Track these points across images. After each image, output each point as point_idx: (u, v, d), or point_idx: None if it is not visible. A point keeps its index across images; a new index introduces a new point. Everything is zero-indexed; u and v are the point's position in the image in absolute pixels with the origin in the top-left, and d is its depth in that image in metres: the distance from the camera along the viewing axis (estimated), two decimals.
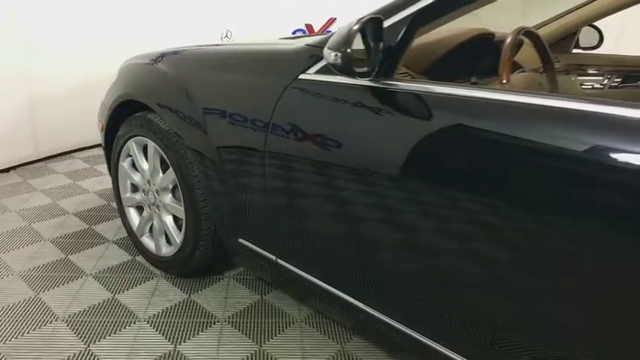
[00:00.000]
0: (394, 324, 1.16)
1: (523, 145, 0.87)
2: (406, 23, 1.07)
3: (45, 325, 1.57)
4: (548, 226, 0.86)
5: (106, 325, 1.58)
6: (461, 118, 0.97)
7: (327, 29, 4.11)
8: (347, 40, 0.99)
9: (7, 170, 2.81)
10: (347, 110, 1.16)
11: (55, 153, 3.05)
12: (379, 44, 1.06)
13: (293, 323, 1.62)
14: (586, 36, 2.31)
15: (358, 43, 1.03)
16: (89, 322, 1.60)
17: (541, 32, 2.22)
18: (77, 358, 1.44)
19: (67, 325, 1.58)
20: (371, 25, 1.05)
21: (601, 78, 2.09)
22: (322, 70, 1.20)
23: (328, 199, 1.21)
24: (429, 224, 1.00)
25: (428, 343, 1.09)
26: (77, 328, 1.56)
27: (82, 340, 1.51)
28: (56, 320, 1.60)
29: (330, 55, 1.04)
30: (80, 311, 1.65)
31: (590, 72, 2.13)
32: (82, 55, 2.91)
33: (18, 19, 2.64)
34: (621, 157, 0.78)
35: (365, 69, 1.05)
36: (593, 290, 0.83)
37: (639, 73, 2.04)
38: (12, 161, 2.83)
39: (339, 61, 1.02)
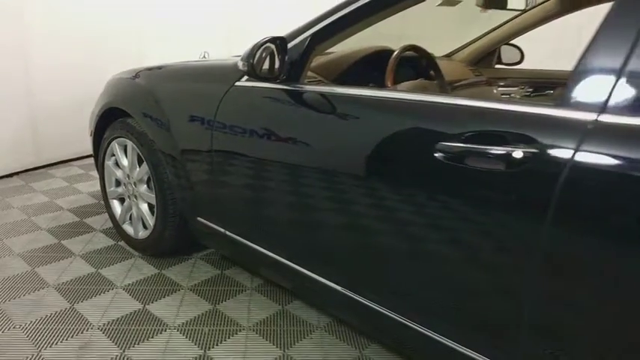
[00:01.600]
0: (329, 284, 1.45)
1: (393, 129, 1.23)
2: (305, 43, 1.45)
3: (38, 290, 1.92)
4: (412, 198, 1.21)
5: (90, 291, 1.93)
6: (350, 110, 1.34)
7: None
8: (251, 54, 1.37)
9: (11, 175, 3.18)
10: (266, 107, 1.53)
11: (54, 161, 3.42)
12: (285, 57, 1.44)
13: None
14: (509, 53, 2.69)
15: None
16: (77, 289, 1.94)
17: (465, 52, 2.62)
18: (61, 314, 1.79)
19: (57, 291, 1.92)
20: (279, 44, 1.43)
21: (515, 88, 2.45)
22: (250, 78, 1.58)
23: (258, 179, 1.57)
24: (340, 189, 1.34)
25: (356, 298, 1.38)
26: (66, 293, 1.91)
27: (68, 301, 1.86)
28: (48, 287, 1.94)
29: (241, 65, 1.41)
30: (69, 280, 2.00)
31: (506, 83, 2.50)
32: (81, 71, 3.28)
33: (23, 37, 3.04)
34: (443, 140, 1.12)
35: (274, 75, 1.42)
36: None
37: (550, 84, 2.41)
38: (16, 167, 3.21)
39: (246, 69, 1.40)
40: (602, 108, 0.94)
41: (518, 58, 2.69)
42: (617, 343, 0.95)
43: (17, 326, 1.70)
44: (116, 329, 1.71)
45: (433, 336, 1.22)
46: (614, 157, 0.90)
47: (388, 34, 2.04)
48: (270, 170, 1.54)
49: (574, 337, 1.01)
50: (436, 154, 1.12)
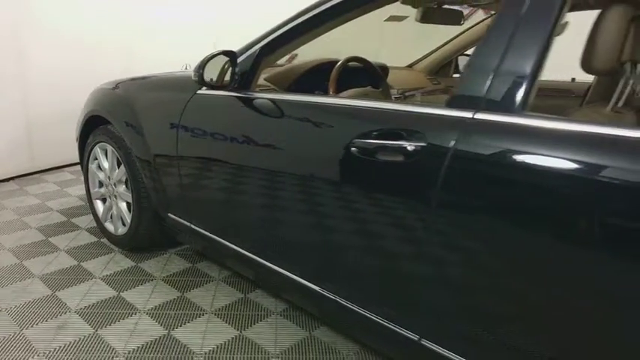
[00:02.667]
0: (284, 272, 1.63)
1: (323, 129, 1.42)
2: (254, 56, 1.65)
3: (24, 280, 2.11)
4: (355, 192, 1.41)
5: (71, 280, 2.12)
6: (292, 114, 1.53)
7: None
8: (201, 65, 1.57)
9: (7, 180, 3.39)
10: (221, 112, 1.74)
11: (48, 167, 3.63)
12: (236, 68, 1.64)
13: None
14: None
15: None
16: (59, 279, 2.13)
17: (425, 63, 2.82)
18: (43, 299, 1.98)
19: (41, 280, 2.11)
20: (230, 56, 1.63)
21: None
22: (209, 87, 1.78)
23: (216, 178, 1.76)
24: (285, 185, 1.52)
25: (304, 282, 1.56)
26: (48, 283, 2.10)
27: (50, 289, 2.05)
28: (33, 277, 2.14)
29: (193, 75, 1.62)
30: (53, 271, 2.19)
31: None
32: (73, 83, 3.48)
33: (19, 51, 3.26)
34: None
35: (225, 84, 1.63)
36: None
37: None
38: (11, 172, 3.42)
39: (196, 78, 1.60)
40: (478, 107, 1.13)
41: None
42: (494, 310, 1.13)
43: (3, 310, 1.89)
44: (91, 312, 1.90)
45: (362, 312, 1.41)
46: (486, 146, 1.10)
47: (364, 49, 2.25)
48: (227, 170, 1.74)
49: (455, 307, 1.19)
50: (352, 149, 1.31)
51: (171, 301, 2.01)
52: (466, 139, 1.12)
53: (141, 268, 2.27)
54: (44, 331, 1.78)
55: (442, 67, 2.82)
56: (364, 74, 2.18)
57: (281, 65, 2.06)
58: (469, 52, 2.79)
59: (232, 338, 1.78)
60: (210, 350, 1.72)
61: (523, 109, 1.09)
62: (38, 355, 1.65)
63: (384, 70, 2.39)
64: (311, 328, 1.86)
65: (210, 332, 1.82)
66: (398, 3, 2.02)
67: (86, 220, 2.77)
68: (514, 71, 1.11)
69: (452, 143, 1.13)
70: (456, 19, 2.15)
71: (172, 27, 4.08)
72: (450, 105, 1.19)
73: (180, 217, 2.04)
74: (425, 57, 2.82)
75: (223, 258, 2.05)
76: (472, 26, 2.60)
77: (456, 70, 2.85)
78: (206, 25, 4.27)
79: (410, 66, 2.89)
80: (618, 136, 0.97)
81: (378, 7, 1.55)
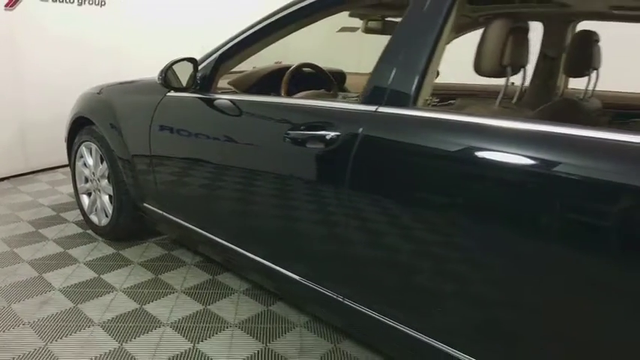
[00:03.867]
0: (247, 254, 1.84)
1: (269, 124, 1.67)
2: (213, 62, 1.90)
3: (14, 264, 2.35)
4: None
5: (57, 265, 2.36)
6: (246, 111, 1.77)
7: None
8: (164, 70, 1.82)
9: (2, 179, 3.64)
10: (185, 111, 1.99)
11: (41, 167, 3.88)
12: (197, 73, 1.89)
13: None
14: None
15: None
16: (46, 264, 2.37)
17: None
18: (30, 280, 2.22)
19: (29, 265, 2.35)
20: (193, 62, 1.88)
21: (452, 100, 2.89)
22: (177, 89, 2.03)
23: (184, 169, 2.01)
24: (243, 174, 1.77)
25: (268, 264, 1.77)
26: (36, 267, 2.34)
27: (37, 272, 2.29)
28: (23, 262, 2.38)
29: (157, 79, 1.87)
30: (41, 257, 2.43)
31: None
32: (66, 87, 3.69)
33: (13, 59, 3.52)
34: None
35: (186, 87, 1.88)
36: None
37: (454, 94, 2.84)
38: (6, 173, 3.66)
39: (160, 82, 1.85)
40: (381, 103, 1.38)
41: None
42: (393, 271, 1.37)
43: None
44: (73, 290, 2.13)
45: (304, 281, 1.65)
46: (385, 134, 1.34)
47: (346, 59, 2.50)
48: (191, 163, 1.99)
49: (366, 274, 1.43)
50: (287, 139, 1.55)
51: (145, 281, 2.25)
52: (370, 128, 1.37)
53: (121, 254, 2.51)
54: (30, 305, 2.01)
55: None
56: (321, 79, 2.44)
57: (241, 71, 2.32)
58: None
59: (197, 311, 2.02)
60: (175, 320, 1.95)
61: (414, 103, 1.34)
62: (23, 325, 1.88)
63: (342, 75, 2.65)
64: (268, 303, 2.10)
65: (178, 306, 2.05)
66: (347, 16, 2.28)
67: (74, 215, 3.01)
68: (406, 74, 1.36)
69: (360, 131, 1.38)
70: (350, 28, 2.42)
71: (161, 31, 4.32)
72: (361, 101, 1.44)
73: (154, 207, 2.28)
74: None
75: (191, 241, 2.28)
76: None
77: None
78: (194, 29, 4.51)
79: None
80: (489, 125, 1.21)
81: (323, 18, 1.79)
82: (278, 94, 2.17)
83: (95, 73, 3.59)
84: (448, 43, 1.43)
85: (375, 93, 1.41)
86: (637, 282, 0.97)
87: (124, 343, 1.79)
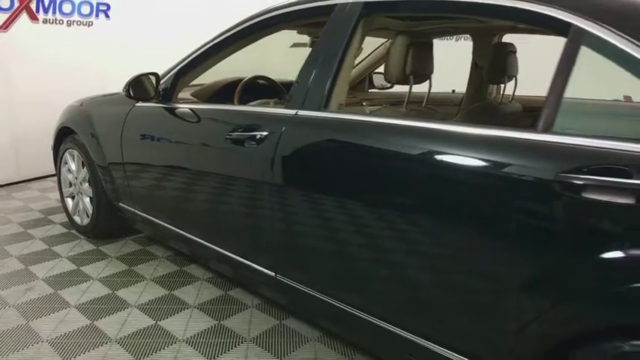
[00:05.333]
0: (205, 243, 2.11)
1: (219, 127, 1.95)
2: (173, 76, 2.19)
3: (3, 259, 2.62)
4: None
5: (41, 259, 2.63)
6: (203, 117, 2.04)
7: None
8: (129, 82, 2.11)
9: None
10: (150, 119, 2.27)
11: (33, 177, 4.16)
12: (159, 86, 2.18)
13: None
14: (381, 80, 3.41)
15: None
16: (32, 258, 2.64)
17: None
18: (16, 272, 2.49)
19: (17, 259, 2.62)
20: (155, 76, 2.17)
21: (379, 106, 3.18)
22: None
23: (150, 170, 2.29)
24: (201, 173, 2.05)
25: (228, 254, 2.02)
26: (23, 261, 2.61)
27: (24, 264, 2.56)
28: (11, 257, 2.65)
29: (122, 91, 2.16)
30: (28, 253, 2.70)
31: (371, 102, 3.22)
32: (56, 103, 3.98)
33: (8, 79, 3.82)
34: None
35: (148, 97, 2.17)
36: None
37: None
38: (0, 181, 3.95)
39: (124, 93, 2.14)
40: (300, 107, 1.66)
41: (389, 84, 3.42)
42: (315, 250, 1.64)
43: None
44: (54, 280, 2.40)
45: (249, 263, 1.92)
46: (301, 133, 1.63)
47: None
48: (156, 165, 2.27)
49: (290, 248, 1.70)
50: (227, 139, 1.83)
51: (119, 272, 2.51)
52: (290, 128, 1.65)
53: (100, 250, 2.78)
54: (15, 292, 2.28)
55: (358, 83, 3.35)
56: (274, 89, 2.72)
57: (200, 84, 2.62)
58: (380, 69, 3.32)
59: (163, 295, 2.28)
60: (143, 303, 2.21)
61: (326, 107, 1.62)
62: (10, 307, 2.15)
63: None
64: (227, 288, 2.36)
65: (147, 292, 2.32)
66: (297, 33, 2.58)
67: (61, 217, 3.28)
68: (320, 83, 1.64)
69: (283, 130, 1.66)
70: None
71: (146, 50, 4.62)
72: (286, 106, 1.73)
73: (127, 205, 2.56)
74: None
75: (161, 235, 2.55)
76: (376, 48, 3.14)
77: (371, 85, 3.38)
78: (176, 49, 4.81)
79: None
80: (380, 122, 1.50)
81: (263, 36, 2.08)
82: (231, 103, 2.47)
83: (83, 91, 3.86)
84: (356, 56, 1.72)
85: (296, 99, 1.70)
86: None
87: (95, 321, 2.06)
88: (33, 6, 3.93)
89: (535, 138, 1.16)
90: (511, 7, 1.28)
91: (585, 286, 1.07)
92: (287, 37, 2.62)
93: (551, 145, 1.13)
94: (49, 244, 2.85)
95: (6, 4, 3.77)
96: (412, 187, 1.36)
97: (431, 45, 1.82)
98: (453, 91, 2.95)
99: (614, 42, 1.10)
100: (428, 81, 1.94)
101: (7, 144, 3.95)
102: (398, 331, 1.42)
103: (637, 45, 1.06)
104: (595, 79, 1.21)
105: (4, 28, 3.77)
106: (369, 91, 3.41)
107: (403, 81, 1.76)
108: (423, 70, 1.79)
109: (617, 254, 1.01)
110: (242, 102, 2.40)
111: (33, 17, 3.94)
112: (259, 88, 2.66)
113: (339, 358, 1.87)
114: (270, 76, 2.67)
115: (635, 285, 1.00)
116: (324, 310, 1.65)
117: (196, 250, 2.28)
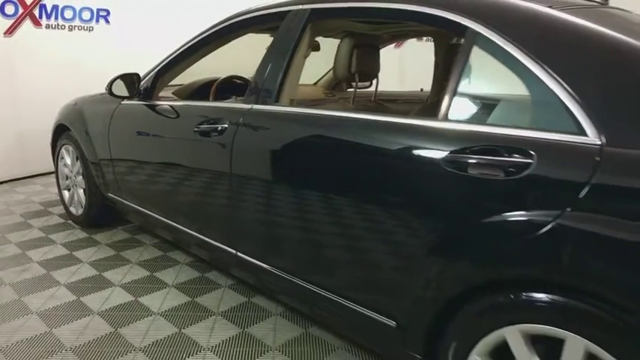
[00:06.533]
0: (186, 229, 2.32)
1: (193, 120, 2.16)
2: (153, 75, 2.42)
3: (3, 245, 2.86)
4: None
5: (38, 245, 2.86)
6: (179, 112, 2.26)
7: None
8: (111, 81, 2.34)
9: (2, 183, 4.19)
10: (134, 115, 2.50)
11: (37, 172, 4.42)
12: (140, 84, 2.41)
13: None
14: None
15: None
16: (30, 244, 2.88)
17: (324, 80, 3.55)
18: (15, 256, 2.72)
19: (16, 245, 2.86)
20: (136, 76, 2.40)
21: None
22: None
23: (135, 162, 2.52)
24: (178, 164, 2.26)
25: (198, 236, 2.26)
26: (22, 247, 2.85)
27: (21, 250, 2.80)
28: (11, 243, 2.89)
29: (106, 89, 2.39)
30: (27, 240, 2.94)
31: (347, 100, 3.42)
32: (57, 102, 4.22)
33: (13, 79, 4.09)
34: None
35: (130, 95, 2.39)
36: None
37: (380, 100, 3.32)
38: (5, 177, 4.21)
39: (106, 91, 2.36)
40: (255, 101, 1.87)
41: (367, 83, 3.62)
42: (264, 229, 1.84)
43: None
44: (47, 263, 2.63)
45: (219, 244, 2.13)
46: (256, 123, 1.83)
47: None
48: (140, 158, 2.49)
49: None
50: (196, 132, 2.05)
51: (107, 256, 2.74)
52: (246, 120, 1.86)
53: (92, 237, 3.01)
54: (11, 272, 2.51)
55: (337, 83, 3.55)
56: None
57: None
58: None
59: (145, 276, 2.50)
60: (126, 282, 2.43)
61: (277, 101, 1.83)
62: (5, 285, 2.38)
63: None
64: (204, 270, 2.57)
65: (130, 273, 2.53)
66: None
67: (59, 209, 3.52)
68: (271, 81, 1.85)
69: (240, 122, 1.87)
70: (314, 47, 2.90)
71: (142, 55, 4.86)
72: (244, 101, 1.93)
73: (115, 195, 2.79)
74: (324, 75, 3.57)
75: (145, 222, 2.77)
76: None
77: (348, 85, 3.57)
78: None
79: (315, 83, 3.63)
80: (313, 114, 1.70)
81: (233, 39, 2.30)
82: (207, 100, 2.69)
83: (83, 91, 4.10)
84: (306, 57, 1.93)
85: (251, 94, 1.91)
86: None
87: (80, 297, 2.28)
88: (36, 12, 4.19)
89: (434, 125, 1.35)
90: (419, 11, 1.48)
91: (470, 248, 1.26)
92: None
93: (445, 130, 1.32)
94: (46, 232, 3.09)
95: (11, 11, 4.04)
96: (333, 167, 1.57)
97: (376, 47, 2.03)
98: (422, 89, 3.13)
99: (500, 44, 1.29)
100: (381, 79, 2.14)
101: (11, 141, 4.22)
102: (324, 292, 1.64)
103: (519, 48, 1.25)
104: (484, 75, 1.40)
105: (9, 33, 4.04)
106: (347, 90, 3.60)
107: (349, 79, 1.96)
108: (367, 69, 2.00)
109: (496, 219, 1.20)
110: (218, 99, 2.61)
111: (36, 23, 4.20)
112: (236, 86, 2.87)
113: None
114: (245, 76, 2.88)
115: (511, 246, 1.19)
116: (270, 279, 1.85)
117: (176, 235, 2.50)
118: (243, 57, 2.73)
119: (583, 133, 1.11)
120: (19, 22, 4.09)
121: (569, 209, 1.08)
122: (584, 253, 1.08)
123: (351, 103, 2.02)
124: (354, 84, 3.43)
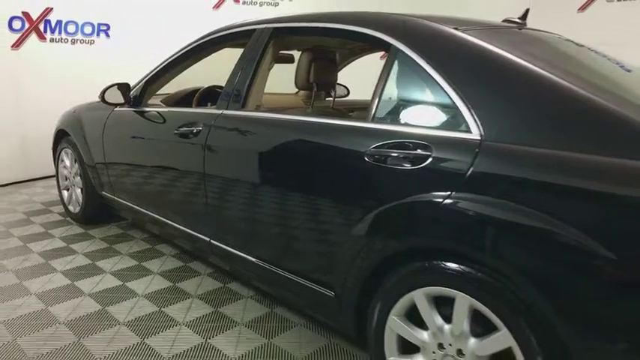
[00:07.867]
0: (170, 222, 2.60)
1: (174, 123, 2.45)
2: (142, 85, 2.71)
3: (6, 238, 3.15)
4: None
5: (38, 239, 3.15)
6: (165, 117, 2.55)
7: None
8: (104, 90, 2.64)
9: (6, 185, 4.50)
10: (125, 121, 2.79)
11: (39, 176, 4.73)
12: (131, 92, 2.71)
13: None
14: (340, 90, 3.90)
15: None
16: (31, 237, 3.17)
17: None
18: (16, 248, 3.01)
19: (18, 238, 3.15)
20: (127, 85, 2.70)
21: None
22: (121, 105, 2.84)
23: (126, 163, 2.81)
24: (163, 165, 2.57)
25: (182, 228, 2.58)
26: (23, 240, 3.13)
27: (22, 242, 3.08)
28: (13, 237, 3.17)
29: (99, 97, 2.68)
30: (28, 234, 3.23)
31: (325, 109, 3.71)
32: (58, 111, 4.57)
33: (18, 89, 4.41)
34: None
35: (122, 102, 2.69)
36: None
37: (354, 108, 3.61)
38: (10, 179, 4.52)
39: (99, 99, 2.66)
40: (225, 107, 2.16)
41: (345, 93, 3.91)
42: (237, 218, 2.12)
43: None
44: (46, 254, 2.92)
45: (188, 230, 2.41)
46: (224, 125, 2.12)
47: None
48: (131, 159, 2.79)
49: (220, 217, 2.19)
50: (176, 134, 2.34)
51: (101, 249, 3.02)
52: (217, 123, 2.14)
53: (88, 232, 3.30)
54: (14, 261, 2.80)
55: (317, 93, 3.84)
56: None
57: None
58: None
59: (133, 265, 2.78)
60: (116, 270, 2.71)
61: (243, 107, 2.11)
62: (8, 271, 2.66)
63: None
64: (187, 260, 2.85)
65: (120, 263, 2.81)
66: None
67: (59, 208, 3.81)
68: (239, 89, 2.14)
69: (212, 124, 2.15)
70: (289, 60, 3.19)
71: (141, 67, 5.19)
72: (216, 107, 2.22)
73: (108, 193, 3.08)
74: None
75: (135, 217, 3.06)
76: None
77: (327, 95, 3.86)
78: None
79: (296, 93, 3.92)
80: (271, 118, 1.99)
81: (213, 52, 2.59)
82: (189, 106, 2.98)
83: (84, 101, 4.42)
84: (270, 69, 2.22)
85: (222, 101, 2.20)
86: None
87: (74, 282, 2.56)
88: (41, 27, 4.53)
89: (363, 125, 1.64)
90: (355, 31, 1.78)
91: (386, 225, 1.53)
92: None
93: (371, 129, 1.61)
94: (46, 227, 3.38)
95: (18, 26, 4.38)
96: (284, 161, 1.85)
97: (334, 60, 2.31)
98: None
99: (414, 57, 1.57)
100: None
101: (16, 147, 4.53)
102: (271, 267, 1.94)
103: (427, 61, 1.54)
104: (402, 83, 1.67)
105: (16, 47, 4.37)
106: (326, 99, 3.89)
107: (308, 87, 2.25)
108: (325, 79, 2.28)
109: (406, 201, 1.47)
110: (200, 106, 2.91)
111: (41, 37, 4.53)
112: (216, 95, 3.15)
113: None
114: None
115: (417, 222, 1.47)
116: (241, 264, 2.13)
117: (162, 228, 2.77)
118: (225, 68, 3.06)
119: (469, 130, 1.39)
120: (26, 37, 4.43)
121: (454, 191, 1.35)
122: (467, 226, 1.35)
123: (310, 109, 2.30)
124: (332, 93, 3.77)
